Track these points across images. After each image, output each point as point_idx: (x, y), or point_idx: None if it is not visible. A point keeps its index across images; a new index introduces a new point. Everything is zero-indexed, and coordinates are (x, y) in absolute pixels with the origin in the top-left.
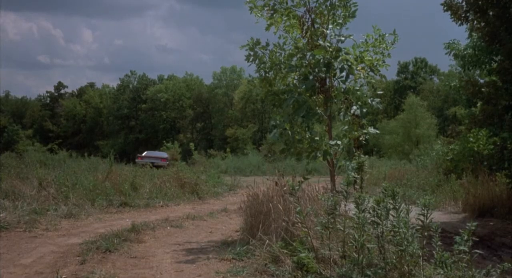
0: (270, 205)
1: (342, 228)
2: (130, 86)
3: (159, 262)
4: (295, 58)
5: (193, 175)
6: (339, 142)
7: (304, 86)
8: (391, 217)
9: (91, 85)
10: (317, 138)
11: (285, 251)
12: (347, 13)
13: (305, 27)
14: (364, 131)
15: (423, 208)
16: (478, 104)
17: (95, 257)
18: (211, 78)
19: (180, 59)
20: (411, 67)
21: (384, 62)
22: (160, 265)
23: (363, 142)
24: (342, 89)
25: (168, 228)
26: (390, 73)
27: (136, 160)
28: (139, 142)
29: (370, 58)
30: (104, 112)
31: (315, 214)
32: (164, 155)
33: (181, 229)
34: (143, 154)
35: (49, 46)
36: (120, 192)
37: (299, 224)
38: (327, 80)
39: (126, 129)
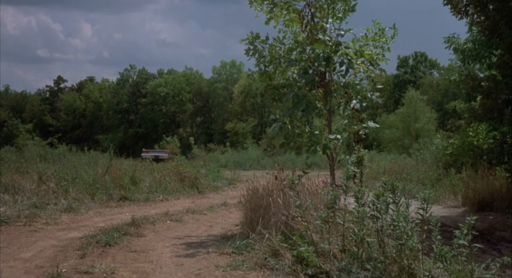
0: (270, 199)
1: (341, 222)
2: (130, 80)
3: (159, 256)
4: (294, 52)
5: (193, 169)
6: (338, 136)
7: (303, 80)
8: (390, 211)
9: (91, 79)
10: (316, 132)
11: (285, 245)
12: (346, 7)
13: (304, 21)
14: (364, 125)
15: (423, 202)
16: (478, 99)
17: (95, 251)
18: (211, 72)
19: (180, 53)
20: (411, 62)
21: (384, 56)
22: (160, 259)
23: (363, 136)
24: (342, 84)
25: (168, 222)
26: (390, 68)
27: (142, 154)
28: (139, 136)
29: (370, 52)
30: (103, 107)
31: (314, 208)
32: (166, 151)
33: (181, 223)
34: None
35: (48, 40)
36: (120, 186)
37: (299, 218)
38: (327, 74)
39: (126, 123)
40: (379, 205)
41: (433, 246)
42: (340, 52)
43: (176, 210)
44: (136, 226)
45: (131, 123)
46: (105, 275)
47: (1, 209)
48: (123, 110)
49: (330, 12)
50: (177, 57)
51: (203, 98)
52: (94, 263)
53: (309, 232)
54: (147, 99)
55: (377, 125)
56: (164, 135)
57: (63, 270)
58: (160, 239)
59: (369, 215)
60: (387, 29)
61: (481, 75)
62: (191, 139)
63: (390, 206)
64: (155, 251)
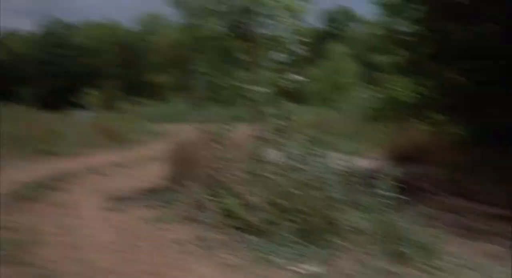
0: (196, 152)
1: (267, 175)
2: (50, 31)
3: (85, 210)
4: (220, 5)
5: (118, 123)
6: (264, 89)
7: (229, 33)
8: (315, 163)
9: (12, 32)
10: (242, 85)
11: (212, 198)
12: None
13: None
14: (289, 78)
15: (346, 155)
16: (402, 53)
17: (18, 206)
18: (136, 23)
19: (102, 3)
20: (335, 15)
21: (307, 8)
22: (87, 213)
23: (288, 89)
24: (267, 36)
25: (94, 176)
26: (315, 21)
27: None
28: (61, 89)
29: (293, 4)
30: (22, 58)
31: (241, 160)
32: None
33: (106, 177)
34: None
35: None
36: (44, 140)
37: (225, 170)
38: (252, 27)
39: (47, 76)
40: (303, 158)
41: (357, 197)
42: (263, 4)
43: (102, 164)
44: (61, 180)
45: (52, 76)
46: (29, 230)
47: None
48: (43, 62)
49: None
50: (99, 7)
51: (128, 51)
52: (17, 218)
53: (234, 185)
54: (69, 51)
55: (302, 79)
56: (86, 89)
57: None
58: (86, 193)
59: (293, 167)
60: None
61: (405, 30)
62: (116, 92)
63: (314, 158)
64: (81, 205)
